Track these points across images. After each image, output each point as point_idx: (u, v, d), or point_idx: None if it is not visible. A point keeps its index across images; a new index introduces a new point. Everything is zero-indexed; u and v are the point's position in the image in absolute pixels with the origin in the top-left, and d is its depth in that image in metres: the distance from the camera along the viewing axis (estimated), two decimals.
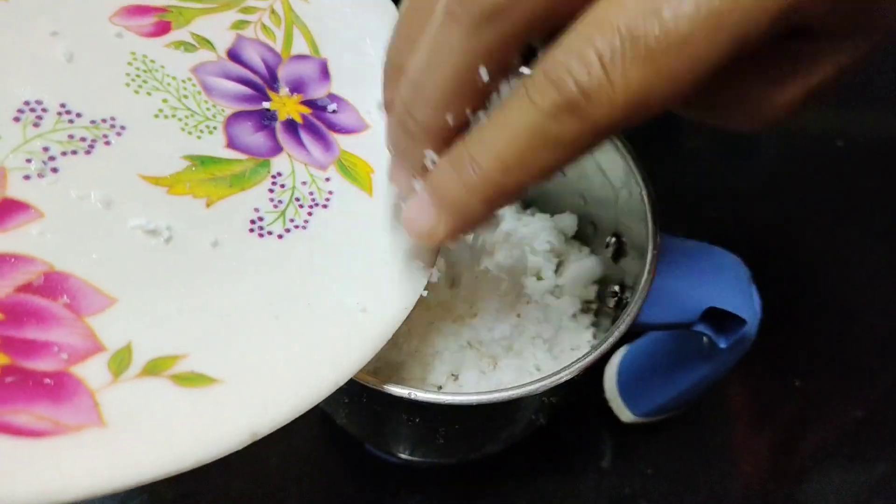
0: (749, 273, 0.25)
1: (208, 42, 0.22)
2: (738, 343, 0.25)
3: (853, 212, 0.43)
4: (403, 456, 0.31)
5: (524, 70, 0.15)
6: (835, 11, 0.14)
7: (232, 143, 0.21)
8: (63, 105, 0.19)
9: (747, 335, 0.25)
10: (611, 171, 0.27)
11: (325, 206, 0.21)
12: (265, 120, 0.22)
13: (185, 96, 0.21)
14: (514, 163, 0.15)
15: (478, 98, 0.16)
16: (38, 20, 0.20)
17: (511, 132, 0.15)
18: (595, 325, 0.29)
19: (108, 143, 0.19)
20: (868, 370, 0.38)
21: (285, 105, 0.22)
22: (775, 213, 0.43)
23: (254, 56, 0.22)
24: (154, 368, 0.16)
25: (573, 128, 0.14)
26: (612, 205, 0.28)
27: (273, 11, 0.24)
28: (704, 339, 0.26)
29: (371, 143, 0.22)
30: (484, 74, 0.16)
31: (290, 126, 0.22)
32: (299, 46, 0.23)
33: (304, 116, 0.22)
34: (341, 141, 0.22)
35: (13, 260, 0.16)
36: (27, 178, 0.18)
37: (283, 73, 0.23)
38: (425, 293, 0.20)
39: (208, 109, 0.21)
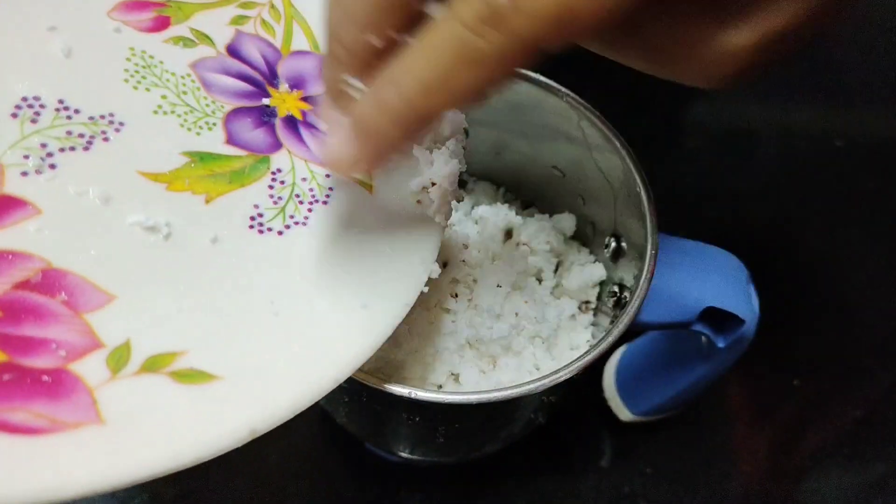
0: (748, 273, 0.25)
1: (207, 37, 0.22)
2: (736, 343, 0.25)
3: (852, 212, 0.43)
4: (403, 455, 0.31)
5: None
6: None
7: (231, 140, 0.21)
8: (61, 101, 0.19)
9: (746, 335, 0.25)
10: (610, 172, 0.27)
11: (325, 203, 0.21)
12: (265, 116, 0.21)
13: (185, 92, 0.21)
14: (435, 84, 0.14)
15: (403, 18, 0.15)
16: (35, 15, 0.20)
17: (433, 51, 0.14)
18: (594, 324, 0.29)
19: (106, 139, 0.19)
20: (867, 370, 0.38)
21: (285, 101, 0.22)
22: (774, 213, 0.43)
23: (253, 52, 0.22)
24: (153, 365, 0.16)
25: (497, 41, 0.13)
26: (611, 205, 0.28)
27: (273, 7, 0.24)
28: (703, 338, 0.26)
29: None
30: None
31: (290, 122, 0.22)
32: (299, 42, 0.23)
33: (304, 113, 0.22)
34: None
35: (11, 257, 0.16)
36: (25, 174, 0.18)
37: (282, 68, 0.22)
38: (426, 289, 0.20)
39: (207, 105, 0.21)
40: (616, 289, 0.28)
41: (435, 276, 0.21)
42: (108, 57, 0.20)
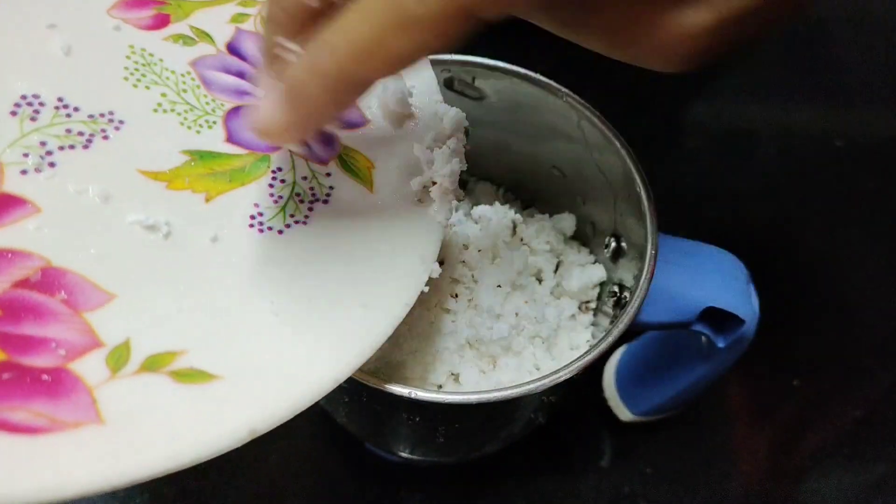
0: (748, 273, 0.25)
1: (207, 35, 0.22)
2: (736, 343, 0.25)
3: (852, 212, 0.43)
4: (403, 455, 0.31)
5: None
6: None
7: (231, 138, 0.21)
8: (60, 99, 0.19)
9: (746, 335, 0.25)
10: (610, 172, 0.27)
11: (325, 202, 0.21)
12: None
13: (185, 90, 0.21)
14: (369, 48, 0.14)
15: None
16: (35, 12, 0.20)
17: (369, 14, 0.14)
18: (594, 324, 0.29)
19: (106, 137, 0.19)
20: (867, 370, 0.38)
21: None
22: (774, 213, 0.43)
23: (254, 50, 0.22)
24: (153, 364, 0.16)
25: (433, 6, 0.13)
26: (611, 205, 0.28)
27: None
28: (703, 338, 0.26)
29: (372, 138, 0.22)
30: None
31: None
32: None
33: None
34: (342, 136, 0.22)
35: (10, 255, 0.16)
36: (24, 172, 0.18)
37: None
38: (426, 289, 0.20)
39: (208, 104, 0.21)
40: (616, 289, 0.28)
41: (435, 275, 0.20)
42: (107, 55, 0.20)
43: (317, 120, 0.16)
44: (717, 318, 0.25)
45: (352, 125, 0.22)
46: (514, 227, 0.30)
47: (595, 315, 0.30)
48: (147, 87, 0.20)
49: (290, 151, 0.21)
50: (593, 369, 0.23)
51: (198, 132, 0.20)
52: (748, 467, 0.34)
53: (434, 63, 0.25)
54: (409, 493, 0.33)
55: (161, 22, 0.22)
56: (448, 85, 0.28)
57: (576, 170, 0.30)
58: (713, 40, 0.14)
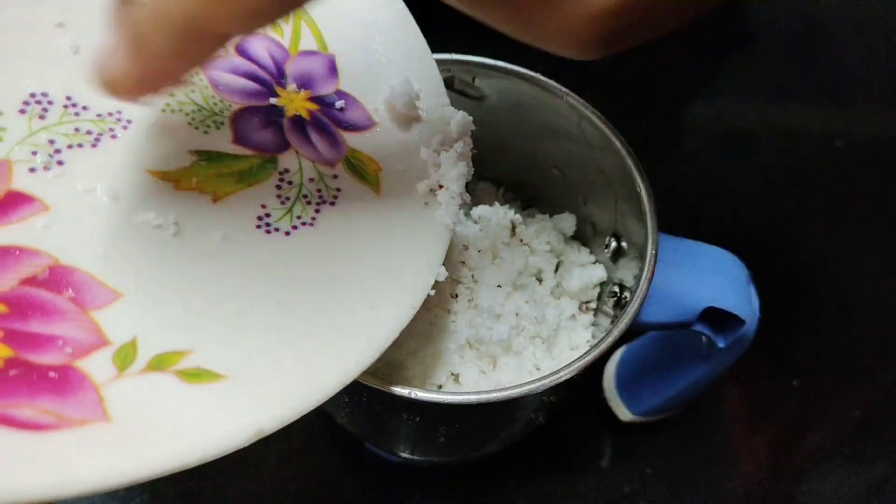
0: (748, 273, 0.25)
1: None
2: (736, 343, 0.25)
3: (852, 212, 0.43)
4: (404, 455, 0.31)
5: None
6: None
7: (239, 139, 0.21)
8: (69, 98, 0.19)
9: (746, 335, 0.25)
10: (610, 171, 0.27)
11: (332, 204, 0.21)
12: (272, 116, 0.21)
13: (192, 91, 0.21)
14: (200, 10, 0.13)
15: None
16: (43, 11, 0.20)
17: None
18: (594, 324, 0.29)
19: (114, 136, 0.19)
20: (867, 370, 0.38)
21: (293, 101, 0.22)
22: (774, 214, 0.43)
23: (261, 51, 0.22)
24: (159, 364, 0.16)
25: None
26: (612, 205, 0.28)
27: None
28: (703, 338, 0.26)
29: (379, 141, 0.22)
30: None
31: (298, 122, 0.22)
32: (307, 42, 0.23)
33: (311, 113, 0.22)
34: (349, 138, 0.22)
35: (18, 253, 0.16)
36: (32, 170, 0.18)
37: (290, 68, 0.22)
38: (432, 292, 0.20)
39: (215, 104, 0.21)
40: (616, 289, 0.28)
41: (441, 278, 0.20)
42: None
43: (165, 75, 0.15)
44: (717, 319, 0.25)
45: (359, 128, 0.22)
46: (514, 227, 0.30)
47: (595, 315, 0.30)
48: None
49: (297, 153, 0.21)
50: (593, 369, 0.23)
51: (205, 132, 0.20)
52: (748, 467, 0.34)
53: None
54: (409, 493, 0.33)
55: None
56: (448, 84, 0.28)
57: (576, 170, 0.30)
58: (616, 23, 0.13)
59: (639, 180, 0.25)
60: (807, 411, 0.36)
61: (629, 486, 0.33)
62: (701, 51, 0.48)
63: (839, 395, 0.37)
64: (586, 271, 0.29)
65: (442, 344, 0.26)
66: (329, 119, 0.22)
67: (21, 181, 0.17)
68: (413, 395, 0.21)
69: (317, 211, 0.20)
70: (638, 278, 0.24)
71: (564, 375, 0.21)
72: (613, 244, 0.29)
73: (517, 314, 0.27)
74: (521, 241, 0.30)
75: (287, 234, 0.19)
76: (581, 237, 0.31)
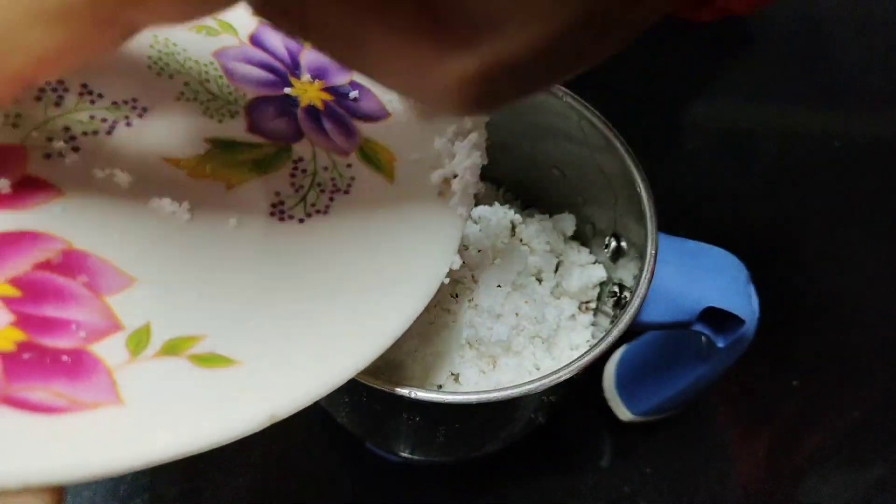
0: (747, 273, 0.25)
1: (231, 26, 0.22)
2: (736, 343, 0.25)
3: (852, 212, 0.43)
4: (403, 454, 0.31)
5: None
6: None
7: (253, 128, 0.21)
8: (84, 85, 0.19)
9: (745, 335, 0.25)
10: (610, 172, 0.27)
11: (346, 192, 0.21)
12: (287, 105, 0.21)
13: (207, 80, 0.21)
14: (2, 38, 0.12)
15: None
16: None
17: None
18: (594, 324, 0.29)
19: (129, 124, 0.19)
20: (867, 371, 0.38)
21: (307, 91, 0.22)
22: (774, 214, 0.43)
23: (276, 42, 0.22)
24: (173, 348, 0.16)
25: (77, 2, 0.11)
26: (611, 205, 0.28)
27: None
28: (703, 338, 0.26)
29: (393, 131, 0.22)
30: None
31: (312, 112, 0.22)
32: None
33: (325, 103, 0.22)
34: (363, 128, 0.22)
35: (32, 237, 0.16)
36: (48, 156, 0.18)
37: (305, 59, 0.22)
38: (447, 280, 0.20)
39: (230, 93, 0.21)
40: (616, 289, 0.28)
41: (456, 266, 0.20)
42: (131, 43, 0.20)
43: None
44: (717, 318, 0.25)
45: (373, 118, 0.22)
46: (514, 227, 0.30)
47: (595, 315, 0.30)
48: (170, 76, 0.20)
49: (311, 142, 0.21)
50: (593, 369, 0.23)
51: (220, 121, 0.20)
52: (748, 467, 0.34)
53: None
54: (409, 493, 0.33)
55: None
56: None
57: (576, 170, 0.30)
58: (485, 87, 0.13)
59: (639, 180, 0.25)
60: (807, 411, 0.36)
61: (629, 486, 0.33)
62: (701, 51, 0.48)
63: (839, 395, 0.37)
64: (586, 271, 0.29)
65: (442, 344, 0.26)
66: (343, 109, 0.22)
67: (36, 167, 0.17)
68: (413, 395, 0.21)
69: (331, 199, 0.20)
70: (638, 278, 0.24)
71: (564, 375, 0.21)
72: (613, 244, 0.29)
73: (517, 314, 0.27)
74: (521, 241, 0.30)
75: (301, 221, 0.19)
76: (581, 237, 0.31)
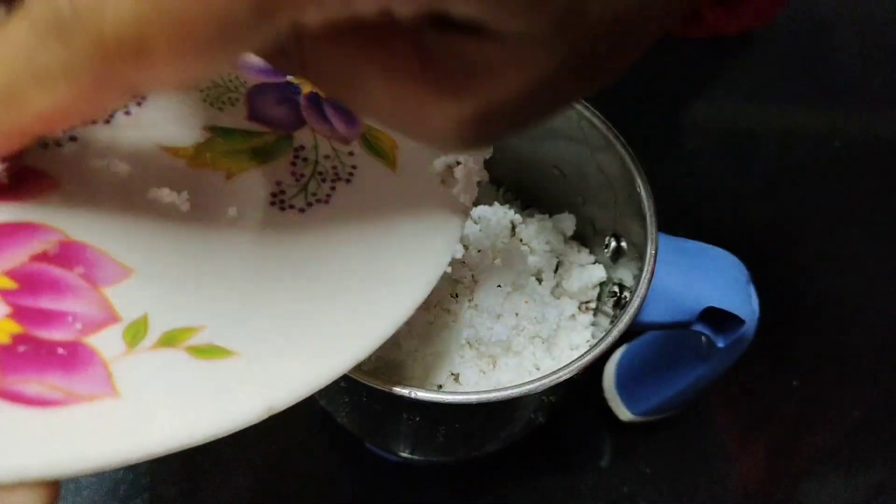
0: (747, 273, 0.25)
1: None
2: (736, 343, 0.25)
3: (852, 212, 0.43)
4: (403, 454, 0.31)
5: None
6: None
7: (254, 116, 0.20)
8: None
9: (745, 335, 0.25)
10: (610, 172, 0.27)
11: (347, 181, 0.20)
12: (288, 93, 0.21)
13: None
14: (5, 95, 0.12)
15: None
16: None
17: (3, 53, 0.12)
18: (594, 324, 0.29)
19: (128, 112, 0.19)
20: (867, 371, 0.38)
21: None
22: (774, 214, 0.43)
23: None
24: (170, 340, 0.15)
25: (62, 60, 0.11)
26: (611, 205, 0.28)
27: None
28: (703, 338, 0.26)
29: None
30: None
31: (314, 100, 0.21)
32: None
33: None
34: None
35: (29, 228, 0.16)
36: (45, 146, 0.17)
37: None
38: (449, 269, 0.20)
39: (230, 81, 0.21)
40: (616, 289, 0.28)
41: (458, 255, 0.20)
42: None
43: None
44: (717, 318, 0.25)
45: None
46: (514, 227, 0.30)
47: (595, 315, 0.30)
48: None
49: (312, 130, 0.21)
50: (593, 369, 0.23)
51: (220, 109, 0.20)
52: (747, 467, 0.34)
53: None
54: (409, 493, 0.33)
55: None
56: None
57: (576, 170, 0.30)
58: (481, 128, 0.14)
59: (639, 180, 0.25)
60: (807, 411, 0.36)
61: (629, 486, 0.33)
62: (701, 51, 0.48)
63: (839, 395, 0.37)
64: (586, 271, 0.29)
65: (442, 344, 0.26)
66: None
67: (33, 157, 0.17)
68: (413, 395, 0.21)
69: (332, 188, 0.20)
70: (637, 278, 0.24)
71: (564, 375, 0.21)
72: (613, 244, 0.29)
73: (517, 314, 0.27)
74: (521, 241, 0.30)
75: (302, 210, 0.19)
76: (581, 237, 0.31)
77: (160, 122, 0.19)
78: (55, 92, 0.12)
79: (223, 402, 0.15)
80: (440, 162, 0.21)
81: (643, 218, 0.25)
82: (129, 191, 0.18)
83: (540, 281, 0.30)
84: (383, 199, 0.20)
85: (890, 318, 0.39)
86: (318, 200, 0.20)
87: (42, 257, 0.16)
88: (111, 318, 0.15)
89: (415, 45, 0.13)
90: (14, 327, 0.14)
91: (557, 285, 0.30)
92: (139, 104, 0.19)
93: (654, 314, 0.24)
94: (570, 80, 0.13)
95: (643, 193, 0.25)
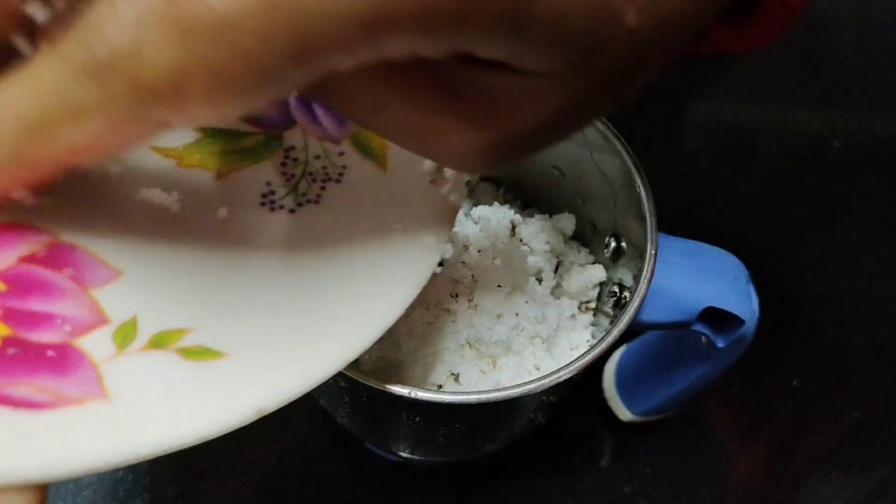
0: (747, 273, 0.25)
1: None
2: (736, 343, 0.25)
3: (851, 212, 0.43)
4: (403, 454, 0.31)
5: None
6: (487, 35, 0.11)
7: (244, 116, 0.20)
8: None
9: (745, 335, 0.25)
10: (610, 172, 0.27)
11: (338, 181, 0.20)
12: None
13: None
14: (37, 127, 0.12)
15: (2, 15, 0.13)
16: None
17: (36, 86, 0.12)
18: (594, 324, 0.29)
19: None
20: (867, 371, 0.38)
21: None
22: (773, 214, 0.43)
23: None
24: (160, 342, 0.15)
25: (97, 98, 0.12)
26: (611, 205, 0.28)
27: None
28: (703, 338, 0.26)
29: None
30: None
31: (304, 100, 0.21)
32: None
33: None
34: None
35: (17, 230, 0.16)
36: None
37: None
38: (439, 269, 0.20)
39: None
40: (616, 289, 0.28)
41: (448, 255, 0.20)
42: None
43: (3, 182, 0.14)
44: (717, 318, 0.25)
45: None
46: (514, 227, 0.30)
47: (595, 315, 0.30)
48: None
49: (302, 130, 0.21)
50: (593, 369, 0.23)
51: None
52: (748, 467, 0.34)
53: None
54: (409, 493, 0.33)
55: None
56: None
57: (576, 170, 0.30)
58: (499, 153, 0.14)
59: (638, 180, 0.25)
60: (807, 411, 0.36)
61: (629, 486, 0.33)
62: None
63: (839, 395, 0.37)
64: (586, 271, 0.29)
65: (442, 344, 0.26)
66: None
67: None
68: (413, 395, 0.21)
69: (322, 188, 0.20)
70: (637, 278, 0.24)
71: (564, 375, 0.21)
72: (613, 244, 0.29)
73: (517, 314, 0.27)
74: (521, 241, 0.30)
75: (292, 211, 0.19)
76: (581, 237, 0.31)
77: None
78: (87, 126, 0.12)
79: (213, 403, 0.14)
80: (430, 162, 0.21)
81: (643, 218, 0.25)
82: (120, 191, 0.17)
83: (540, 281, 0.30)
84: (373, 200, 0.20)
85: (890, 318, 0.39)
86: (309, 201, 0.20)
87: (31, 259, 0.15)
88: (100, 320, 0.15)
89: (438, 77, 0.13)
90: (3, 329, 0.14)
91: (557, 285, 0.30)
92: None
93: (653, 314, 0.24)
94: (587, 107, 0.14)
95: (643, 193, 0.25)
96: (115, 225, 0.17)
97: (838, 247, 0.42)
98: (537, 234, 0.30)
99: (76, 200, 0.17)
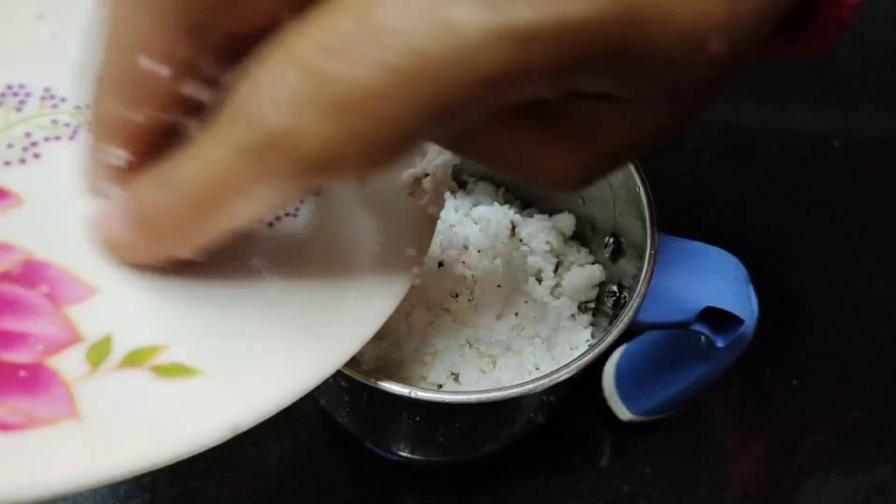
0: (747, 273, 0.25)
1: None
2: (735, 342, 0.25)
3: (851, 212, 0.43)
4: (403, 454, 0.31)
5: None
6: (597, 74, 0.12)
7: None
8: (47, 89, 0.19)
9: (745, 335, 0.25)
10: None
11: (315, 194, 0.20)
12: None
13: None
14: (211, 203, 0.13)
15: (161, 96, 0.15)
16: (23, 2, 0.19)
17: (204, 166, 0.13)
18: (593, 324, 0.29)
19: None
20: (867, 371, 0.38)
21: None
22: (773, 214, 0.43)
23: None
24: (134, 360, 0.15)
25: (262, 174, 0.13)
26: (611, 205, 0.28)
27: None
28: (702, 338, 0.26)
29: None
30: (158, 69, 0.14)
31: None
32: None
33: None
34: None
35: None
36: (8, 163, 0.17)
37: None
38: (417, 282, 0.19)
39: None
40: (616, 289, 0.28)
41: (426, 268, 0.20)
42: (95, 46, 0.20)
43: (174, 252, 0.15)
44: (717, 318, 0.25)
45: None
46: (514, 227, 0.30)
47: (595, 315, 0.30)
48: None
49: None
50: (593, 369, 0.23)
51: None
52: (747, 467, 0.34)
53: None
54: (409, 493, 0.33)
55: None
56: None
57: None
58: (590, 173, 0.15)
59: (638, 180, 0.25)
60: (807, 411, 0.36)
61: (629, 485, 0.33)
62: None
63: (838, 395, 0.37)
64: (585, 271, 0.29)
65: (442, 344, 0.26)
66: None
67: None
68: (413, 395, 0.21)
69: (300, 201, 0.20)
70: (637, 278, 0.24)
71: (564, 375, 0.21)
72: (613, 244, 0.29)
73: (517, 314, 0.27)
74: (521, 240, 0.30)
75: (270, 225, 0.19)
76: (580, 237, 0.31)
77: None
78: (253, 198, 0.13)
79: (187, 422, 0.14)
80: (408, 174, 0.21)
81: (643, 218, 0.25)
82: (94, 208, 0.17)
83: (540, 281, 0.30)
84: (351, 212, 0.20)
85: (890, 318, 0.39)
86: (287, 214, 0.19)
87: (5, 277, 0.15)
88: (73, 338, 0.15)
89: (542, 110, 0.14)
90: None
91: (557, 285, 0.30)
92: None
93: (653, 314, 0.24)
94: (671, 127, 0.15)
95: (643, 193, 0.25)
96: (91, 242, 0.17)
97: (838, 247, 0.42)
98: (537, 234, 0.30)
99: (52, 217, 0.17)
